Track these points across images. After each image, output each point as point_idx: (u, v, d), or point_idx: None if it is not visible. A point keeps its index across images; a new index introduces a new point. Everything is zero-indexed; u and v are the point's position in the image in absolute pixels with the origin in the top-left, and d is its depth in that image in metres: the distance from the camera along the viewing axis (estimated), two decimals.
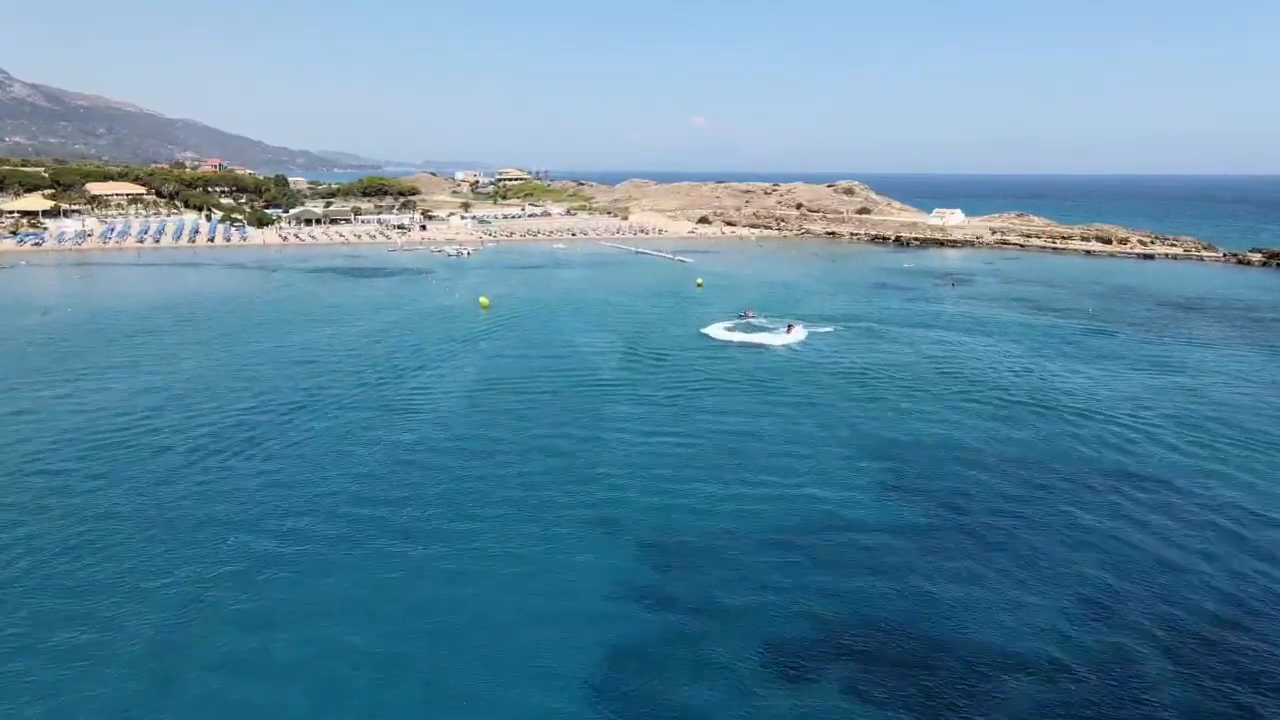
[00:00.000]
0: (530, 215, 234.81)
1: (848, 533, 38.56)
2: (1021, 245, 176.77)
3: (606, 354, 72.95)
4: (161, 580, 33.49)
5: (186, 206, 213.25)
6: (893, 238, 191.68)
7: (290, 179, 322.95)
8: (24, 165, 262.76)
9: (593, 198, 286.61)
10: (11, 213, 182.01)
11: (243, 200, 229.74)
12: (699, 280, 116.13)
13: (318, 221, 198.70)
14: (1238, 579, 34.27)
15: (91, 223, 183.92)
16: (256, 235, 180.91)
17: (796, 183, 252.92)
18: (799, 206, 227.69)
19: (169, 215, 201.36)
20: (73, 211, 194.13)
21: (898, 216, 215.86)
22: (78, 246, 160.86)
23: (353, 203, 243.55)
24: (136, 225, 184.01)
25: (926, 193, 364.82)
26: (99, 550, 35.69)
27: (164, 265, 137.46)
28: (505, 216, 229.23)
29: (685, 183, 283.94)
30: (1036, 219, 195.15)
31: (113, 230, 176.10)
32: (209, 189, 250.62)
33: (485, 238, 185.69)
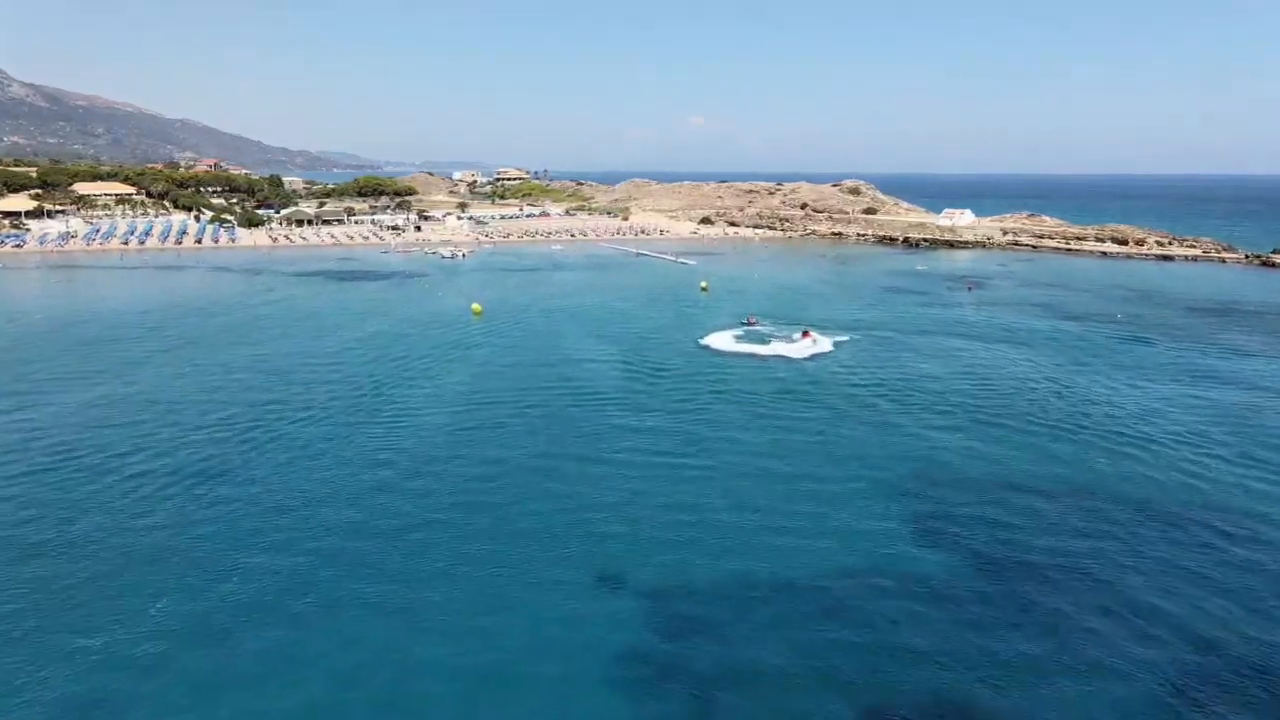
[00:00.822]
0: (528, 216, 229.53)
1: (885, 582, 33.26)
2: (1034, 246, 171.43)
3: (606, 366, 67.61)
4: (78, 641, 28.17)
5: (176, 207, 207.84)
6: (901, 239, 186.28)
7: (286, 179, 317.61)
8: (17, 165, 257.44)
9: (592, 198, 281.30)
10: None
11: (234, 201, 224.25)
12: (703, 284, 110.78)
13: (310, 222, 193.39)
14: None
15: (76, 223, 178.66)
16: (247, 236, 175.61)
17: (800, 182, 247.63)
18: (803, 206, 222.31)
19: (157, 216, 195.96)
20: (57, 212, 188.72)
21: (905, 217, 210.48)
22: (60, 248, 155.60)
23: (347, 203, 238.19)
24: (123, 226, 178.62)
25: (931, 192, 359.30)
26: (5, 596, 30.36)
27: (146, 268, 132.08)
28: (502, 217, 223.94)
29: (687, 182, 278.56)
30: (1049, 219, 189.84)
31: (97, 231, 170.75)
32: (201, 189, 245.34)
33: (481, 239, 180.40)
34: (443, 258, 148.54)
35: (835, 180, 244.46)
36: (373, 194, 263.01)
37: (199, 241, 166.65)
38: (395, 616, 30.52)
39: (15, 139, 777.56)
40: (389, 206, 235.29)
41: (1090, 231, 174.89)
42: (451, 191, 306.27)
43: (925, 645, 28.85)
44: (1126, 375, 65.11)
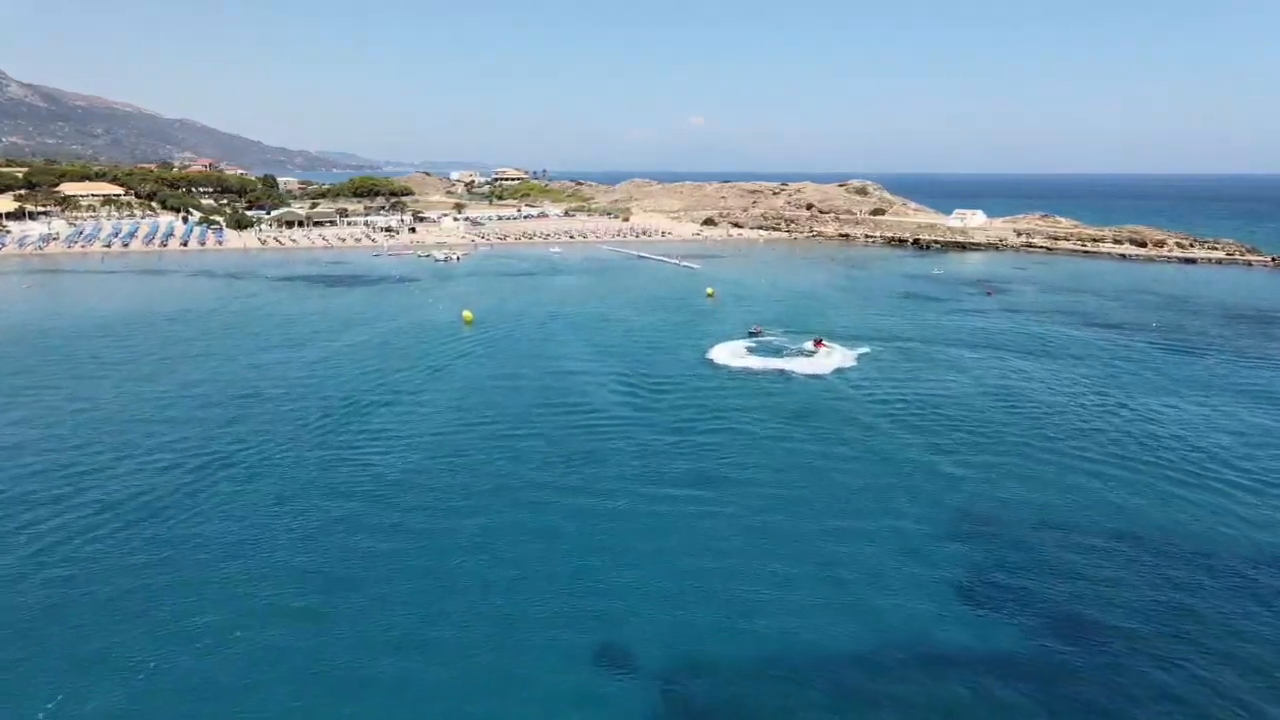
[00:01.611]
0: (526, 217, 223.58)
1: (941, 653, 27.56)
2: (1049, 248, 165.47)
3: (604, 383, 61.70)
4: None
5: (164, 208, 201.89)
6: (911, 240, 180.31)
7: (281, 179, 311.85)
8: (8, 165, 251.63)
9: (592, 198, 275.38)
10: None
11: (224, 202, 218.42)
12: (710, 290, 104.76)
13: (300, 224, 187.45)
14: None
15: (59, 225, 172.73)
16: (235, 238, 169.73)
17: (805, 182, 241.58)
18: (809, 207, 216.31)
19: (143, 217, 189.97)
20: (40, 213, 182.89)
21: (914, 218, 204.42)
22: (40, 251, 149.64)
23: (341, 203, 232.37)
24: (107, 228, 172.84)
25: (936, 192, 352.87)
26: None
27: (125, 273, 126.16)
28: (500, 218, 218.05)
29: (688, 182, 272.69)
30: (1063, 220, 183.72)
31: (80, 233, 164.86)
32: (192, 189, 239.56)
33: (477, 241, 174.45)
34: (436, 261, 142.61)
35: (841, 180, 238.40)
36: (368, 194, 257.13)
37: (185, 244, 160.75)
38: (345, 695, 24.67)
39: (14, 139, 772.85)
40: (384, 207, 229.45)
41: (1107, 233, 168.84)
42: (449, 192, 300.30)
43: None
44: (1178, 393, 59.13)
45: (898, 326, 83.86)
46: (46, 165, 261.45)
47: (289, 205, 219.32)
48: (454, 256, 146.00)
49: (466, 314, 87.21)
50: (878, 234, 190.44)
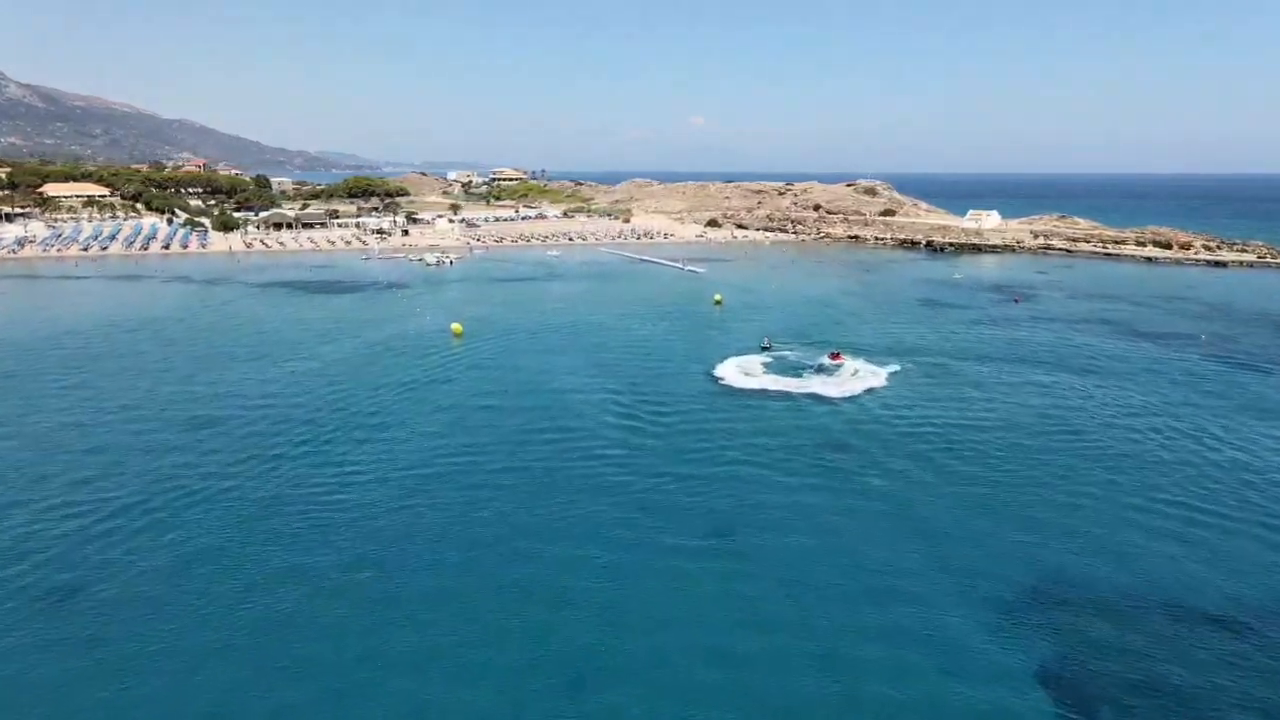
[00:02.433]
0: (524, 218, 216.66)
1: None
2: (1069, 250, 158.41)
3: (602, 407, 54.81)
4: None
5: (149, 209, 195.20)
6: (924, 242, 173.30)
7: (275, 179, 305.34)
8: None
9: (592, 198, 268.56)
10: None
11: (212, 203, 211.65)
12: (717, 297, 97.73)
13: (289, 225, 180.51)
14: None
15: (36, 227, 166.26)
16: (220, 241, 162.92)
17: (812, 182, 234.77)
18: (817, 208, 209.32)
19: (126, 219, 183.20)
20: (18, 215, 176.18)
21: (926, 219, 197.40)
22: (14, 254, 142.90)
23: (335, 204, 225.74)
24: (87, 230, 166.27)
25: (946, 192, 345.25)
26: None
27: (98, 278, 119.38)
28: (497, 219, 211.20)
29: (690, 183, 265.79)
30: (1082, 221, 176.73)
31: (58, 236, 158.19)
32: (181, 190, 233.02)
33: (472, 243, 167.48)
34: (427, 265, 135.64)
35: (849, 180, 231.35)
36: (363, 195, 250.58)
37: (166, 247, 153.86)
38: None
39: (12, 140, 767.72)
40: (377, 208, 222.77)
41: (1129, 234, 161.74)
42: (445, 192, 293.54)
43: None
44: (1258, 419, 52.13)
45: (924, 339, 76.87)
46: (31, 165, 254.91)
47: (280, 206, 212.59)
48: (446, 260, 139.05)
49: (455, 326, 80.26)
50: (888, 236, 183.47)
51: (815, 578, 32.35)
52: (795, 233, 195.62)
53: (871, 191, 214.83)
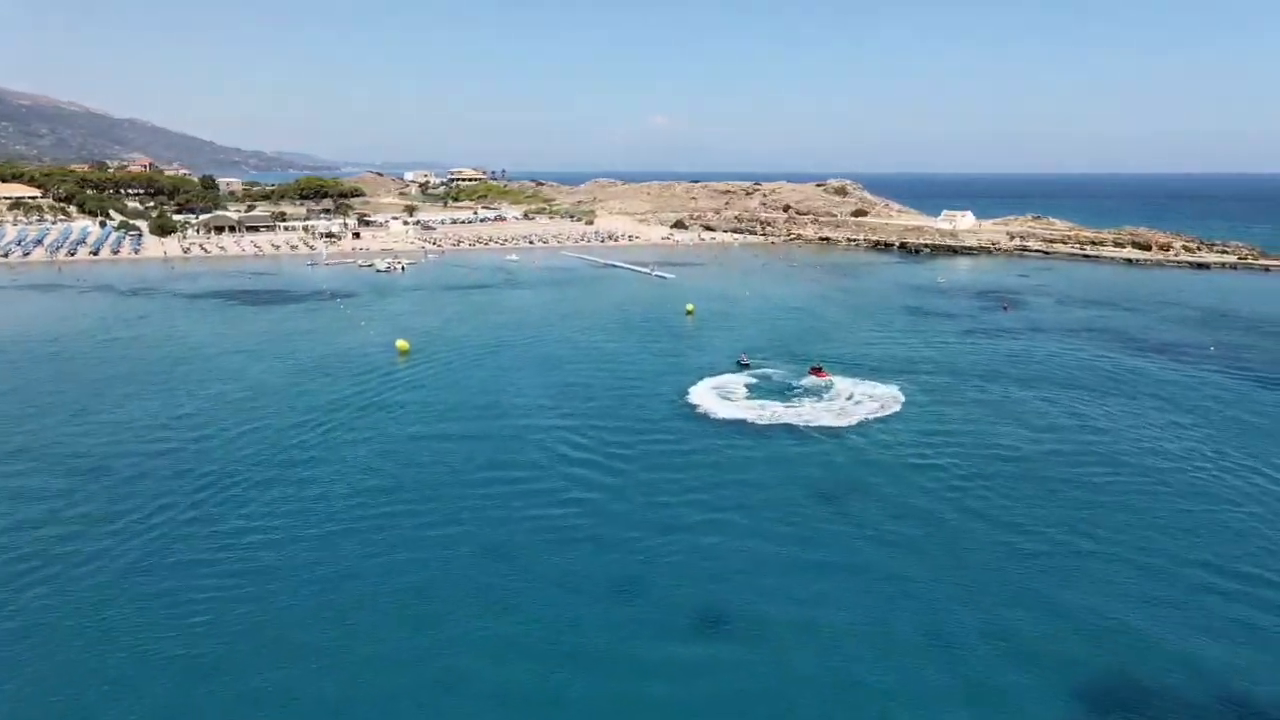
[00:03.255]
0: (483, 220, 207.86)
1: None
2: (1046, 252, 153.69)
3: (562, 443, 47.34)
4: None
5: (81, 211, 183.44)
6: (897, 244, 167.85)
7: (225, 180, 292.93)
8: None
9: (553, 199, 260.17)
10: None
11: (150, 205, 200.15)
12: (689, 306, 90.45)
13: (232, 229, 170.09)
14: None
15: None
16: (155, 245, 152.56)
17: (781, 182, 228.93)
18: (786, 209, 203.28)
19: (55, 223, 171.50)
20: None
21: (899, 220, 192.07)
22: None
23: (285, 206, 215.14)
24: (11, 234, 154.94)
25: (918, 192, 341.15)
26: None
27: (10, 288, 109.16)
28: (454, 221, 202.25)
29: (655, 182, 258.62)
30: (1058, 222, 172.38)
31: None
32: (120, 191, 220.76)
33: (427, 247, 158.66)
34: (378, 271, 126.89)
35: (818, 180, 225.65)
36: (314, 196, 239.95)
37: (96, 253, 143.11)
38: None
39: None
40: (329, 210, 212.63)
41: (1107, 235, 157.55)
42: (402, 193, 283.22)
43: None
44: None
45: (918, 353, 70.33)
46: None
47: (225, 208, 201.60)
48: (398, 266, 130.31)
49: (400, 343, 72.12)
50: (861, 237, 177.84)
51: (817, 666, 25.22)
52: (765, 234, 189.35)
53: (842, 191, 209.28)
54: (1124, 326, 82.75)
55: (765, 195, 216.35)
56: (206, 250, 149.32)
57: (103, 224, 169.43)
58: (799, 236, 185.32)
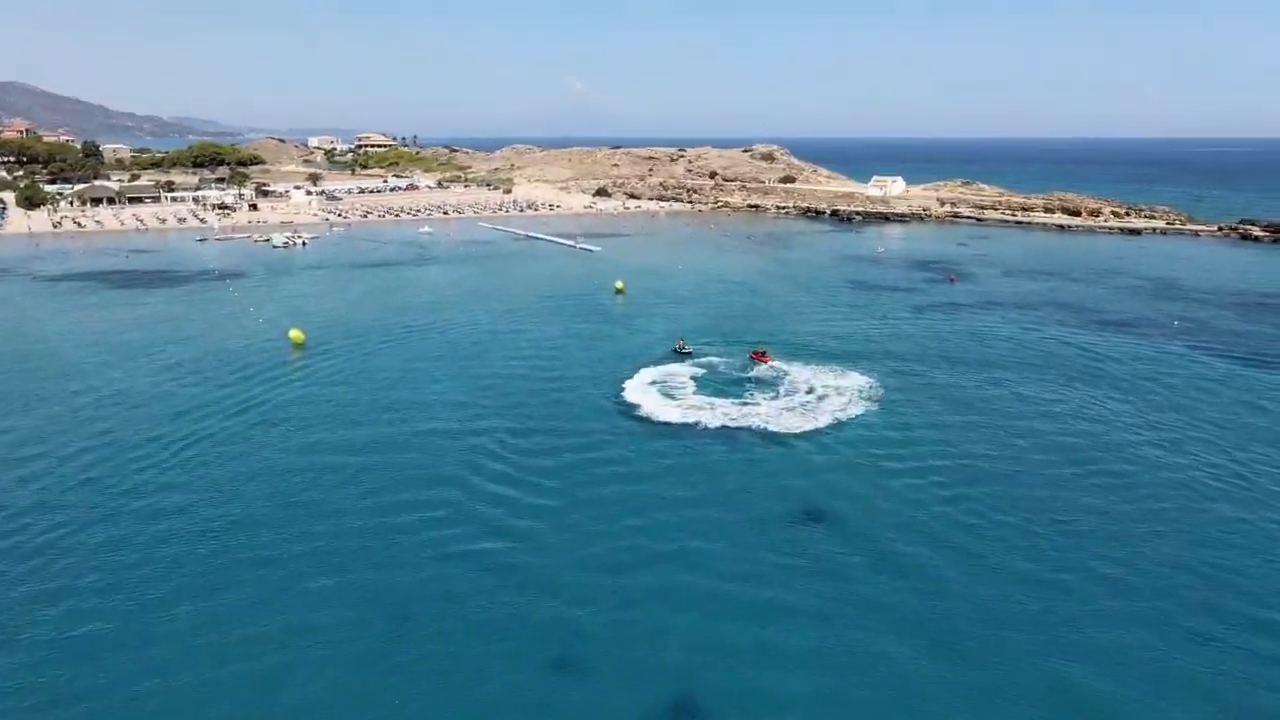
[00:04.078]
0: (393, 189, 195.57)
1: None
2: (978, 219, 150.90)
3: (479, 458, 39.69)
4: None
5: None
6: (829, 211, 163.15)
7: (111, 146, 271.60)
8: None
9: (469, 166, 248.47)
10: None
11: (20, 175, 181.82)
12: (618, 284, 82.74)
13: (111, 200, 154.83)
14: None
15: None
16: (21, 219, 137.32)
17: (706, 147, 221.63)
18: (713, 175, 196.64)
19: None
20: None
21: (828, 186, 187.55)
22: None
23: (176, 174, 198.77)
24: None
25: (848, 158, 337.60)
26: None
27: None
28: (362, 190, 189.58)
29: (576, 149, 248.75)
30: (988, 188, 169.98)
31: None
32: None
33: (332, 219, 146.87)
34: (275, 247, 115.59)
35: (745, 145, 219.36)
36: (209, 164, 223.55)
37: None
38: None
39: None
40: (224, 179, 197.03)
41: (1037, 201, 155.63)
42: (306, 160, 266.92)
43: None
44: None
45: (872, 334, 64.47)
46: None
47: (107, 178, 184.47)
48: (298, 241, 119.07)
49: (294, 333, 62.78)
50: (790, 204, 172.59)
51: None
52: (691, 202, 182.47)
53: (769, 157, 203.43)
54: (1079, 300, 78.64)
55: (690, 161, 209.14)
56: (80, 225, 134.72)
57: None
58: (726, 204, 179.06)
